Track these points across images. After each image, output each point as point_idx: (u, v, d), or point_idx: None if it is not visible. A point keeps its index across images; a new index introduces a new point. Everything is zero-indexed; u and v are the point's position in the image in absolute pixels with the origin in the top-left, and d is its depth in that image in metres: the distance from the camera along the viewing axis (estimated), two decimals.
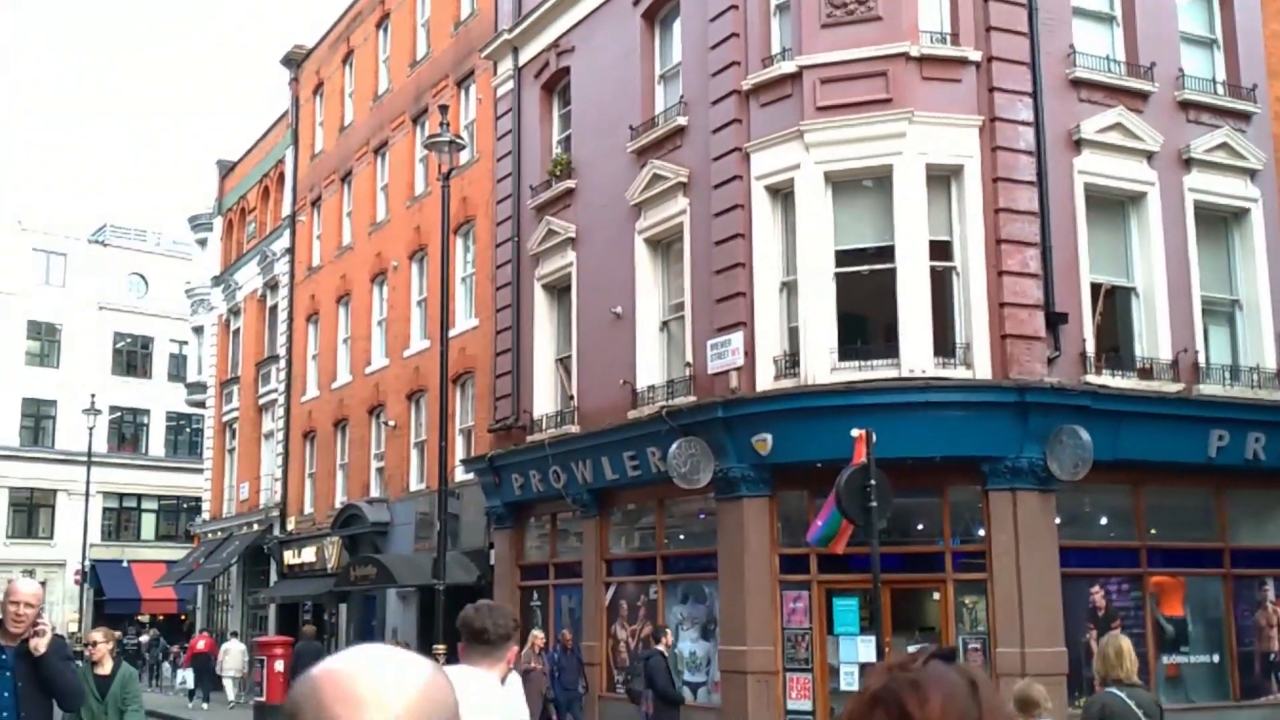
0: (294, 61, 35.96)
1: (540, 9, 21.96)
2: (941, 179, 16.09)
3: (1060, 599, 15.39)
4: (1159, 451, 16.02)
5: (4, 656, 6.85)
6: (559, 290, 21.37)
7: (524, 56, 22.73)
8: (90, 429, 42.02)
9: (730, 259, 16.81)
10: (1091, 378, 16.02)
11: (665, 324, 18.73)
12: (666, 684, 15.38)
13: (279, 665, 23.80)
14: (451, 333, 20.08)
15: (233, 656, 30.41)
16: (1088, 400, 15.62)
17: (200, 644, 32.59)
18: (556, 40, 21.71)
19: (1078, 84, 16.71)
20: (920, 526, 16.31)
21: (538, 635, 17.99)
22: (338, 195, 32.27)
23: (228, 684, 30.38)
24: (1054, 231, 16.11)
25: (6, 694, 6.78)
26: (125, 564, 51.52)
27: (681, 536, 18.74)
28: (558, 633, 19.43)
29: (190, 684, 31.64)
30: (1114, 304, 16.99)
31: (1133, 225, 17.12)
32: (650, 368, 18.54)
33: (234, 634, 33.21)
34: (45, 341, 53.70)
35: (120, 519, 54.40)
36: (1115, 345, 16.82)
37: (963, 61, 16.20)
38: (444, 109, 19.40)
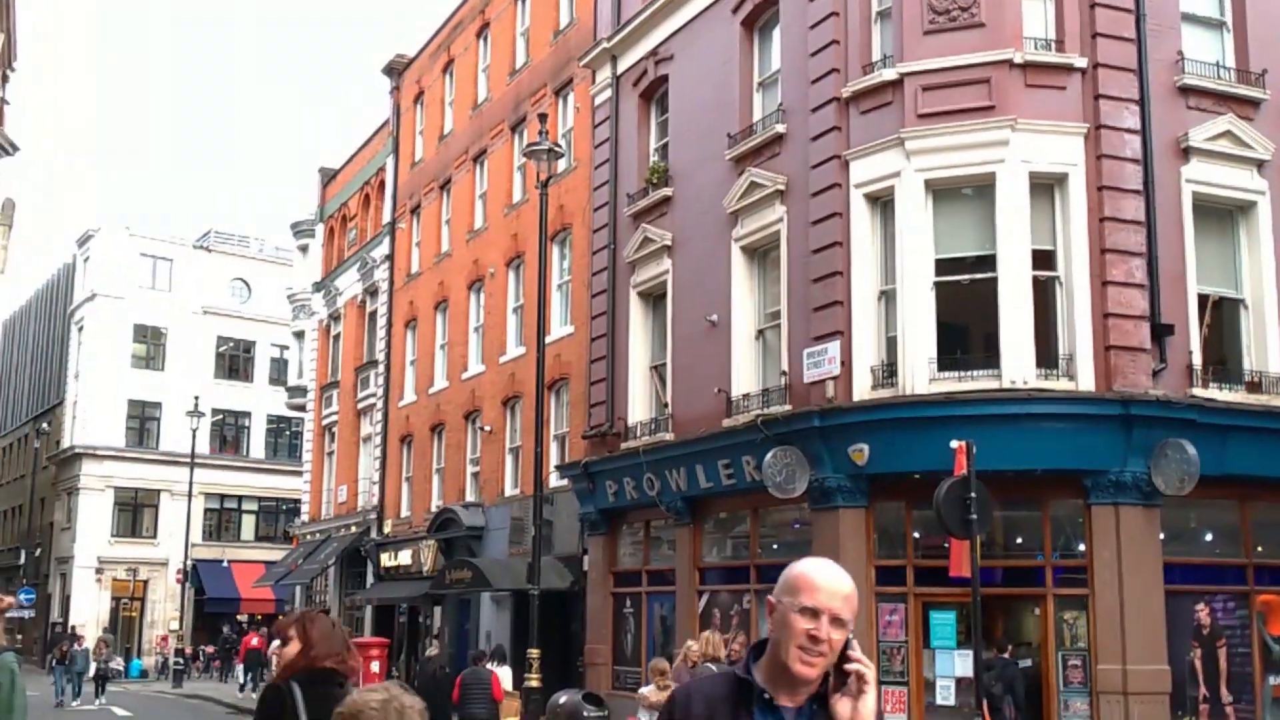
0: (395, 71, 36.53)
1: (639, 18, 22.07)
2: (1045, 187, 15.85)
3: (1164, 616, 15.04)
4: (1267, 466, 15.60)
5: None
6: (654, 298, 21.44)
7: (622, 65, 22.86)
8: (194, 431, 43.09)
9: (828, 267, 16.73)
10: (1198, 391, 15.66)
11: (761, 332, 18.69)
12: None
13: (375, 666, 24.16)
14: (547, 339, 20.25)
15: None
16: (1194, 414, 15.28)
17: (254, 641, 36.07)
18: (655, 48, 21.80)
19: (1186, 91, 16.36)
20: (1020, 540, 16.05)
21: (692, 647, 13.83)
22: (437, 203, 32.70)
23: None
24: (1160, 241, 15.79)
25: None
26: (225, 564, 52.69)
27: (775, 546, 18.66)
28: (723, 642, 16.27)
29: (241, 678, 35.26)
30: (1221, 316, 16.60)
31: (1241, 235, 16.71)
32: (745, 376, 18.50)
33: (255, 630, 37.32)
34: (151, 345, 55.17)
35: (221, 519, 55.67)
36: (1222, 358, 16.42)
37: (1068, 68, 15.96)
38: (543, 117, 19.62)
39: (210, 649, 49.03)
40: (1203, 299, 16.21)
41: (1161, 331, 15.57)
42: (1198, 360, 15.84)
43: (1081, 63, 15.94)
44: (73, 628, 45.82)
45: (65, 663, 33.87)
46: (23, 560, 51.26)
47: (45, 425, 55.64)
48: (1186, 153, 16.17)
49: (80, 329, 54.82)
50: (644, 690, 14.47)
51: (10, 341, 67.47)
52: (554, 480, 23.55)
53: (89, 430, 52.61)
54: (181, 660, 42.21)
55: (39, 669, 43.57)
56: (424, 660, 25.22)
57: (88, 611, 49.94)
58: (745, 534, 18.87)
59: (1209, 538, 16.53)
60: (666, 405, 20.35)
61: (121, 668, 43.86)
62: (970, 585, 12.92)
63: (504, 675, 18.70)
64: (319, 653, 5.00)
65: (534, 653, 17.53)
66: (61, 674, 33.47)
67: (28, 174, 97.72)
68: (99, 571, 51.35)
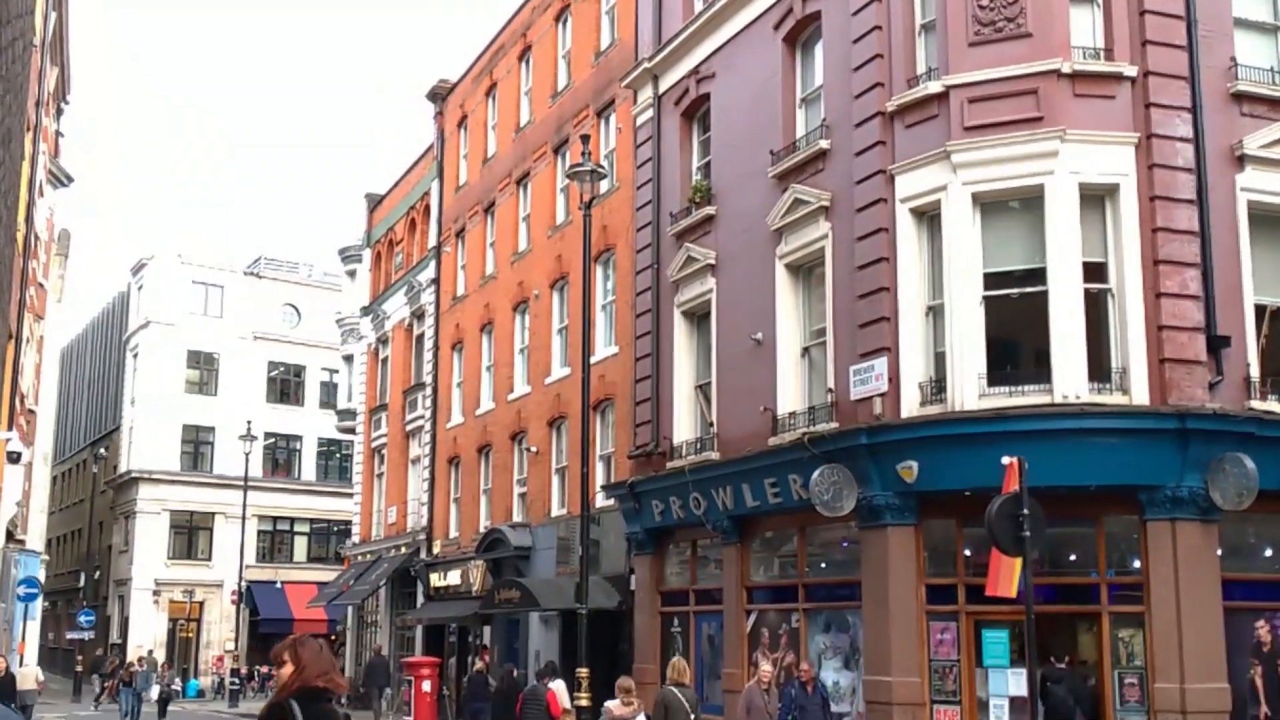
0: (439, 96, 36.75)
1: (680, 37, 22.04)
2: (1095, 198, 15.61)
3: (1222, 633, 14.69)
4: None
5: None
6: (699, 317, 21.33)
7: (664, 84, 22.83)
8: (246, 454, 43.40)
9: (874, 283, 16.56)
10: (1256, 403, 15.32)
11: (806, 350, 18.53)
12: None
13: (426, 685, 24.15)
14: (592, 360, 20.19)
15: None
16: (1253, 427, 14.95)
17: None
18: (696, 67, 21.75)
19: (1240, 98, 16.05)
20: (1073, 557, 15.75)
21: (765, 670, 15.83)
22: (481, 226, 32.81)
23: None
24: (1215, 251, 15.47)
25: None
26: (279, 585, 53.07)
27: (823, 565, 18.46)
28: (795, 665, 17.18)
29: None
30: (1279, 326, 16.24)
31: None
32: (791, 394, 18.35)
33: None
34: (204, 370, 55.83)
35: (274, 541, 56.13)
36: None
37: (1117, 77, 15.72)
38: (585, 139, 19.59)
39: (265, 669, 49.35)
40: (1260, 309, 15.86)
41: (1218, 343, 15.26)
42: (1255, 372, 15.50)
43: (1131, 71, 15.70)
44: (126, 657, 46.28)
45: (130, 684, 34.21)
46: (83, 583, 51.90)
47: (103, 450, 56.40)
48: (1241, 160, 15.86)
49: (135, 355, 55.57)
50: (609, 704, 15.39)
51: (68, 368, 68.37)
52: (600, 500, 23.48)
53: (145, 455, 53.29)
54: (237, 680, 42.48)
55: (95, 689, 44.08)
56: (472, 675, 25.14)
57: (145, 633, 50.50)
58: (793, 553, 18.68)
59: (1269, 553, 16.15)
60: (712, 424, 20.22)
61: (180, 688, 44.38)
62: (1024, 603, 12.67)
63: (559, 690, 18.77)
64: (310, 672, 5.63)
65: (583, 672, 17.46)
66: (128, 695, 33.67)
67: (84, 204, 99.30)
68: (156, 593, 51.93)
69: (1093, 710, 14.97)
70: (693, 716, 14.19)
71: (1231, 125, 15.91)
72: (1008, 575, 13.06)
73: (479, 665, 25.63)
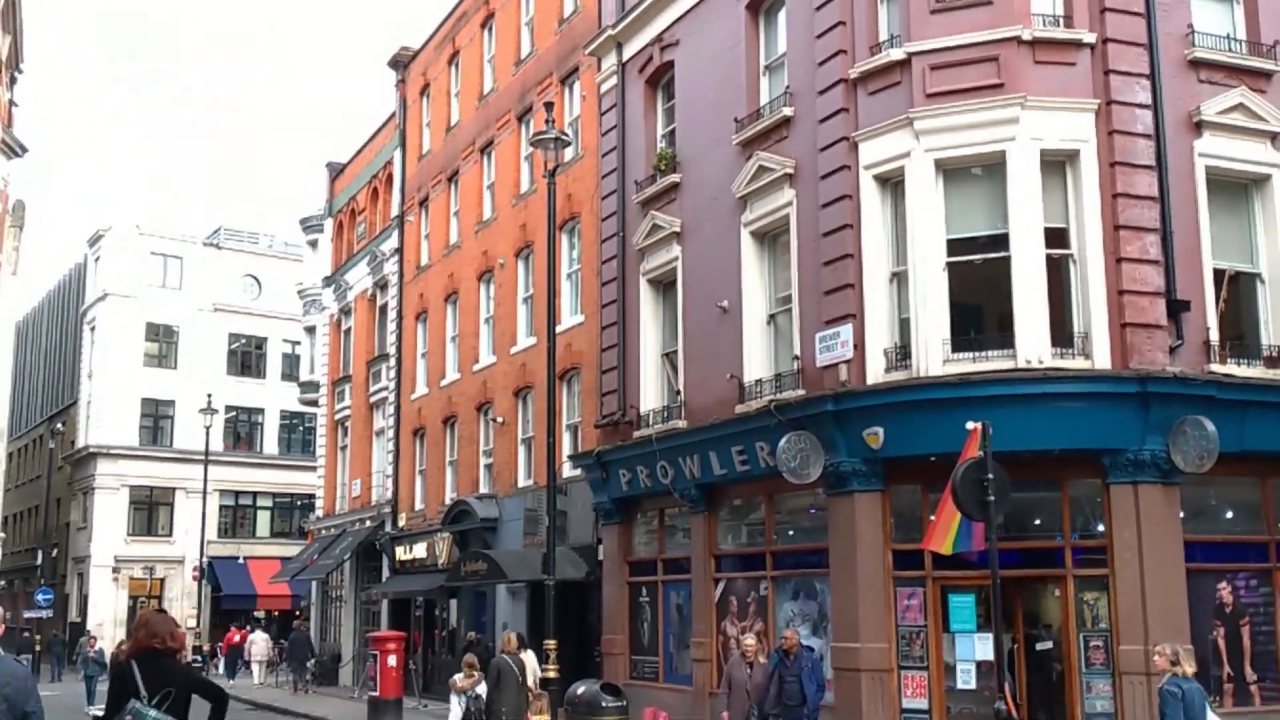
0: (401, 63, 36.41)
1: (644, 4, 21.92)
2: (1056, 164, 15.70)
3: (1185, 595, 14.90)
4: None
5: None
6: (665, 285, 21.32)
7: (628, 51, 22.72)
8: (207, 428, 43.09)
9: (838, 250, 16.60)
10: (1216, 367, 15.50)
11: (772, 317, 18.57)
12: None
13: (392, 660, 24.09)
14: (558, 329, 20.14)
15: (258, 645, 38.92)
16: (1212, 390, 15.11)
17: (236, 637, 41.40)
18: (660, 34, 21.65)
19: (1197, 64, 16.17)
20: (1038, 521, 15.91)
21: (749, 643, 15.58)
22: (445, 195, 32.61)
23: (255, 667, 38.32)
24: (1174, 216, 15.61)
25: None
26: (241, 560, 52.81)
27: (791, 532, 18.56)
28: (778, 634, 16.68)
29: (221, 669, 40.38)
30: (1238, 290, 16.42)
31: (1257, 209, 16.53)
32: (757, 362, 18.39)
33: (261, 627, 42.94)
34: (163, 343, 55.28)
35: (236, 516, 55.83)
36: (1240, 333, 16.25)
37: (1077, 44, 15.79)
38: (549, 106, 19.48)
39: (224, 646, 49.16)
40: (1219, 274, 16.02)
41: (1178, 307, 15.41)
42: (1215, 336, 15.67)
43: (1090, 38, 15.77)
44: (87, 631, 45.85)
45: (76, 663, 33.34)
46: (40, 560, 51.40)
47: (60, 425, 55.80)
48: (1199, 126, 15.98)
49: (93, 329, 54.94)
50: (455, 677, 18.83)
51: (24, 342, 67.57)
52: (567, 470, 23.48)
53: (103, 430, 52.75)
54: (200, 658, 42.33)
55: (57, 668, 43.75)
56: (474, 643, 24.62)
57: (105, 611, 50.12)
58: (760, 521, 18.77)
59: (1230, 515, 16.38)
60: (679, 392, 20.24)
61: None
62: (989, 568, 12.80)
63: (529, 661, 18.60)
64: (141, 636, 7.66)
65: (551, 644, 17.46)
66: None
67: (38, 174, 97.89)
68: (116, 570, 51.51)
69: (1049, 679, 15.12)
70: (522, 679, 16.86)
71: (1189, 91, 16.03)
72: (943, 533, 13.27)
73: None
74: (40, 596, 46.04)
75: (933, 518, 13.85)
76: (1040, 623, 15.86)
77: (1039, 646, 15.62)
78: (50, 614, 48.01)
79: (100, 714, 8.30)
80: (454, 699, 18.52)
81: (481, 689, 17.66)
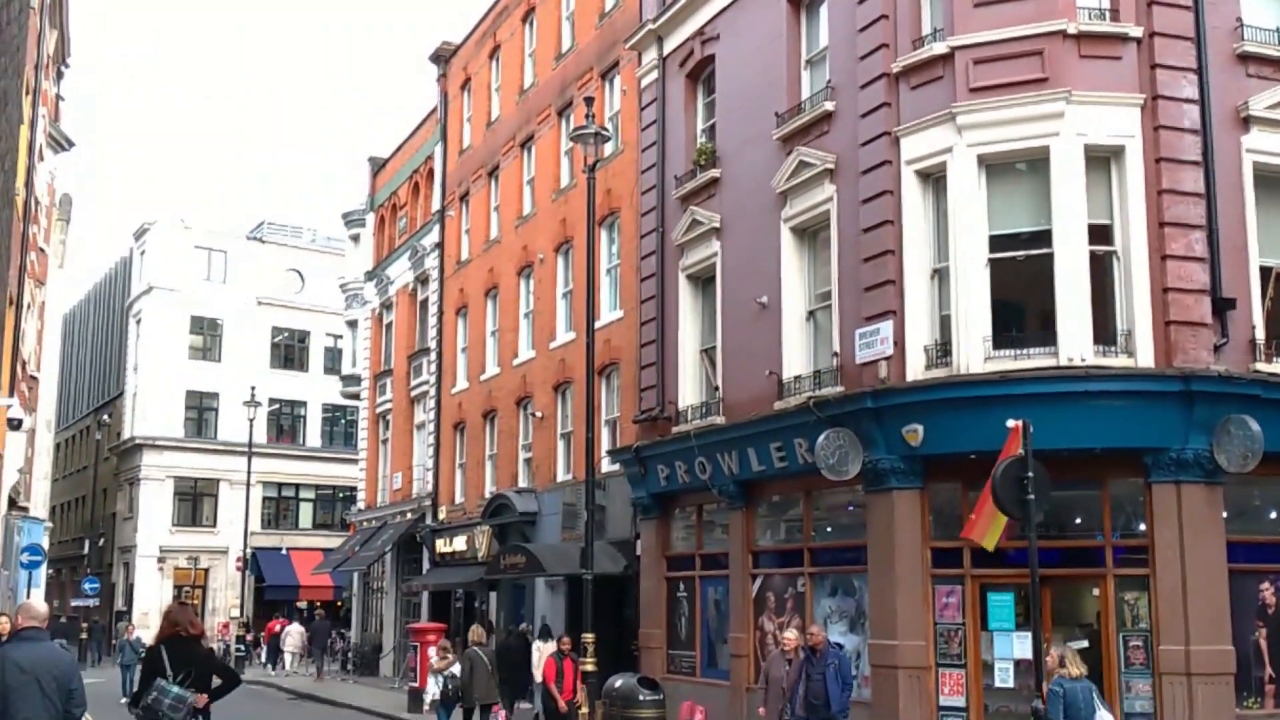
0: (442, 58, 36.54)
1: None
2: (1101, 160, 15.52)
3: (1227, 596, 14.70)
4: None
5: None
6: (703, 280, 21.29)
7: (668, 46, 22.68)
8: (251, 421, 43.48)
9: (879, 246, 16.50)
10: (1261, 366, 15.29)
11: (811, 313, 18.50)
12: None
13: (432, 652, 24.21)
14: (597, 324, 20.17)
15: (292, 636, 40.57)
16: (1258, 389, 14.92)
17: (277, 626, 42.89)
18: (701, 28, 21.60)
19: (1246, 58, 15.93)
20: (1079, 520, 15.76)
21: (789, 637, 15.33)
22: (485, 190, 32.71)
23: (287, 657, 40.20)
24: (1220, 213, 15.39)
25: None
26: (284, 551, 53.28)
27: (829, 529, 18.50)
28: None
29: (264, 657, 42.35)
30: None
31: None
32: (796, 358, 18.32)
33: (300, 618, 44.07)
34: (208, 336, 55.86)
35: (279, 508, 56.34)
36: None
37: (1123, 38, 15.59)
38: (589, 101, 19.48)
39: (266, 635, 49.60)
40: (1265, 271, 15.79)
41: (1223, 305, 15.20)
42: (1261, 334, 15.46)
43: (1137, 32, 15.58)
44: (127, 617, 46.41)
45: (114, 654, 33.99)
46: (87, 550, 52.10)
47: (106, 417, 56.49)
48: (1246, 122, 15.75)
49: (138, 322, 55.57)
50: (432, 659, 21.49)
51: (70, 335, 68.41)
52: (606, 465, 23.51)
53: (148, 421, 53.40)
54: (243, 647, 42.74)
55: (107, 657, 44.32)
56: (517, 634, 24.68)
57: (150, 600, 50.70)
58: (798, 517, 18.71)
59: (1273, 515, 16.14)
60: (717, 388, 20.21)
61: None
62: (1028, 567, 12.69)
63: (539, 651, 21.11)
64: (166, 623, 9.63)
65: (589, 637, 17.52)
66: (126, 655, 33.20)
67: (86, 169, 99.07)
68: (161, 560, 52.14)
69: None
70: (492, 668, 18.95)
71: (1237, 86, 15.79)
72: (985, 526, 13.15)
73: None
74: (87, 585, 46.70)
75: (973, 515, 13.70)
76: (1077, 622, 15.69)
77: (1073, 645, 15.45)
78: (97, 603, 48.68)
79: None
80: (431, 679, 21.05)
81: (456, 669, 19.60)
